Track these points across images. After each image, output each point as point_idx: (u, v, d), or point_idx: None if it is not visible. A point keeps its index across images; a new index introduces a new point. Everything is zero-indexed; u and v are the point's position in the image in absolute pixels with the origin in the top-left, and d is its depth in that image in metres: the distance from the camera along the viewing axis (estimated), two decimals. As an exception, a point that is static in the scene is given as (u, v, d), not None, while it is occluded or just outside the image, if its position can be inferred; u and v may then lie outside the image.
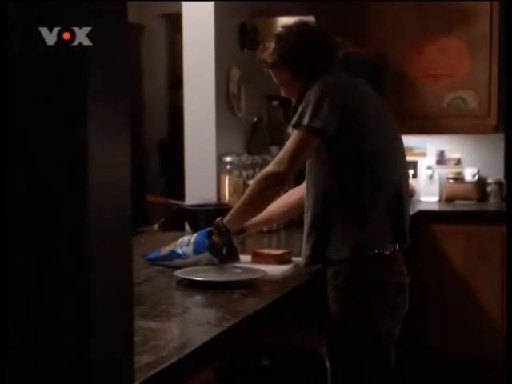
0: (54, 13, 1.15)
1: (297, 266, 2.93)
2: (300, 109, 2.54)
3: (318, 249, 2.63)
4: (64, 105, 1.19)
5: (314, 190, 2.63)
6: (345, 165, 2.58)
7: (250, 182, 3.92)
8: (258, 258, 2.95)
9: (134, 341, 1.38)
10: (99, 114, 1.22)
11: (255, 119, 4.42)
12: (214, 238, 2.75)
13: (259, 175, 2.67)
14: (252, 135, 4.38)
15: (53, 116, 1.19)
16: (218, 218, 2.74)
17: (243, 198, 2.72)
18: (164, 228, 4.17)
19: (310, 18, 4.26)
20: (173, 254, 2.88)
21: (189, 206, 3.93)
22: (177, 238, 3.47)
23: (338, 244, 2.59)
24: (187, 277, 2.57)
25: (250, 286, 2.58)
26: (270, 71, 2.77)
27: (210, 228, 2.81)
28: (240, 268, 2.73)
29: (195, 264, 2.76)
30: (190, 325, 2.14)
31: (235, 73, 4.15)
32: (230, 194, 3.93)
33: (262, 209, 2.75)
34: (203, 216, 3.76)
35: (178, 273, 2.62)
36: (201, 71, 3.95)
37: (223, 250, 2.74)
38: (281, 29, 2.72)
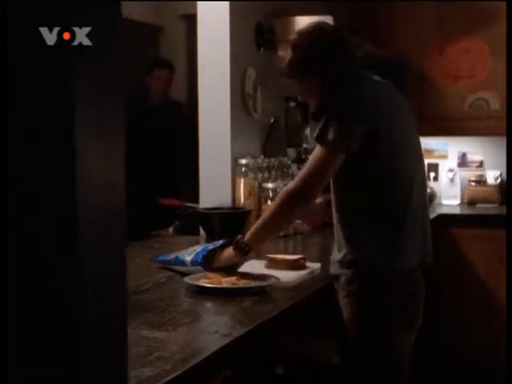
0: (53, 13, 1.12)
1: (312, 272, 2.85)
2: (323, 122, 2.44)
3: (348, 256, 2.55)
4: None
5: (342, 202, 2.57)
6: (369, 178, 2.51)
7: (266, 184, 3.85)
8: (271, 263, 2.87)
9: (127, 360, 1.29)
10: (92, 117, 1.16)
11: (272, 120, 4.34)
12: (227, 254, 2.65)
13: (282, 193, 2.59)
14: (268, 137, 4.30)
15: (51, 115, 1.15)
16: (239, 236, 2.62)
17: (265, 215, 2.62)
18: (179, 231, 4.10)
19: (328, 18, 4.17)
20: (177, 260, 2.81)
21: (203, 209, 3.85)
22: (191, 242, 3.43)
23: (364, 251, 2.51)
24: (197, 283, 2.50)
25: (262, 293, 2.51)
26: (289, 80, 2.69)
27: (225, 240, 2.73)
28: (252, 274, 2.64)
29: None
30: (198, 334, 2.07)
31: (251, 73, 4.07)
32: (246, 197, 3.85)
33: (284, 227, 2.67)
34: (217, 220, 3.69)
35: (188, 279, 2.55)
36: (216, 72, 3.87)
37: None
38: (295, 35, 2.62)
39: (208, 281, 2.52)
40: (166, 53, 5.98)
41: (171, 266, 2.87)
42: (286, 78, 2.67)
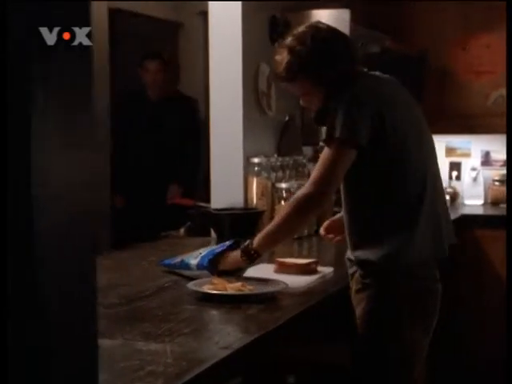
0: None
1: (323, 276, 2.72)
2: (329, 122, 2.34)
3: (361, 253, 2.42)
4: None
5: (351, 200, 2.46)
6: (378, 174, 2.39)
7: (280, 184, 3.71)
8: (281, 267, 2.74)
9: (97, 368, 1.19)
10: (53, 119, 1.09)
11: (287, 118, 4.21)
12: (233, 258, 2.52)
13: (294, 198, 2.48)
14: (283, 135, 4.17)
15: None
16: (248, 241, 2.50)
17: (276, 221, 2.49)
18: (190, 233, 3.96)
19: (345, 12, 4.04)
20: (182, 264, 2.69)
21: (214, 209, 3.72)
22: (201, 244, 3.31)
23: (375, 248, 2.38)
24: (200, 289, 2.37)
25: (270, 299, 2.37)
26: (287, 85, 2.56)
27: (232, 241, 2.60)
28: (259, 279, 2.51)
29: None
30: (197, 345, 1.93)
31: (264, 69, 3.94)
32: (258, 198, 3.72)
33: (295, 234, 2.52)
34: (228, 221, 3.56)
35: (191, 285, 2.42)
36: (228, 67, 3.74)
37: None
38: (290, 38, 2.49)
39: (213, 287, 2.39)
40: (184, 49, 5.98)
41: (177, 270, 2.74)
42: (285, 83, 2.54)
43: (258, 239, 2.48)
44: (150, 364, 1.72)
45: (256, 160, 3.74)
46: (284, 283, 2.45)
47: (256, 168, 3.74)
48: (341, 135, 2.29)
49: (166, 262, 2.82)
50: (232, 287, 2.38)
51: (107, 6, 5.33)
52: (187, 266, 2.67)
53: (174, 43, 6.01)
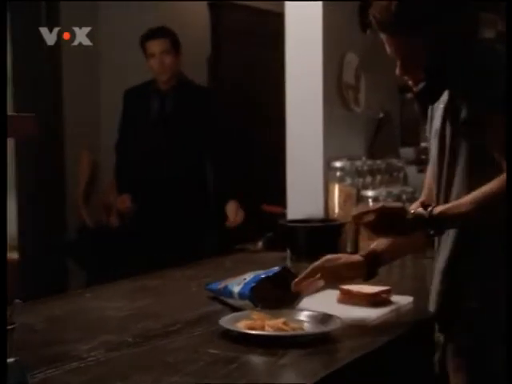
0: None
1: (397, 309, 2.20)
2: (480, 85, 1.79)
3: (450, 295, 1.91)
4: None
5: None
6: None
7: (366, 192, 3.21)
8: (345, 296, 2.24)
9: None
10: None
11: (381, 115, 3.69)
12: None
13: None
14: (377, 135, 3.65)
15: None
16: (429, 207, 1.86)
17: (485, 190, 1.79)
18: (269, 246, 3.49)
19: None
20: (226, 290, 2.24)
21: (288, 221, 3.25)
22: (274, 261, 2.87)
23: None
24: (229, 327, 1.91)
25: (319, 341, 1.88)
26: (387, 37, 1.95)
27: (282, 266, 2.18)
28: (312, 314, 2.03)
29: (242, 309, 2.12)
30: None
31: (352, 59, 3.43)
32: (340, 207, 3.22)
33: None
34: (303, 234, 3.09)
35: (224, 320, 1.96)
36: (305, 56, 3.26)
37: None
38: None
39: (250, 323, 1.93)
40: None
41: (222, 297, 2.30)
42: (387, 35, 1.93)
43: (445, 207, 1.85)
44: None
45: (338, 164, 3.24)
46: (340, 320, 1.96)
47: (338, 173, 3.24)
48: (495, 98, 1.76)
49: (212, 286, 2.38)
50: (271, 325, 1.91)
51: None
52: (230, 294, 2.22)
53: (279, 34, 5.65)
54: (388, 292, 2.26)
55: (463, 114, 1.82)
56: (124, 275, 2.85)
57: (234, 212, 3.89)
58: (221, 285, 2.32)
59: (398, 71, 1.96)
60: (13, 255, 4.45)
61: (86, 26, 4.35)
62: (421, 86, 1.93)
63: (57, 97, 4.54)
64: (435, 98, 1.93)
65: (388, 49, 1.96)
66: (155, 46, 3.99)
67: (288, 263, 3.04)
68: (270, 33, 5.32)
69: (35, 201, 4.50)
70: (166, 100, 4.05)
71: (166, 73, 4.00)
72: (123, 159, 4.14)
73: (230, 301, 2.23)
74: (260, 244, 3.55)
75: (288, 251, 3.13)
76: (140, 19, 4.47)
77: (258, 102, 5.46)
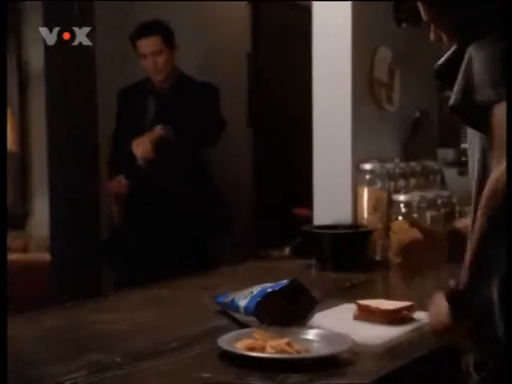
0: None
1: (420, 327, 1.98)
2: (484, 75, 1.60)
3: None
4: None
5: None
6: None
7: (397, 197, 3.00)
8: (362, 313, 2.04)
9: None
10: None
11: (417, 114, 3.47)
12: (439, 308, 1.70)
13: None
14: (412, 136, 3.43)
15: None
16: (453, 284, 1.64)
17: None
18: (298, 252, 3.29)
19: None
20: (233, 304, 2.06)
21: (314, 227, 3.06)
22: (299, 269, 2.70)
23: None
24: (227, 348, 1.72)
25: (327, 363, 1.69)
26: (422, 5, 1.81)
27: (289, 280, 1.99)
28: (319, 333, 1.83)
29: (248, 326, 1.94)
30: None
31: (385, 54, 3.22)
32: (370, 212, 3.01)
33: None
34: (328, 242, 2.89)
35: (222, 340, 1.77)
36: (333, 51, 3.06)
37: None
38: None
39: (250, 343, 1.74)
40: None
41: (229, 311, 2.12)
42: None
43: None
44: None
45: (367, 166, 3.03)
46: (350, 341, 1.76)
47: (368, 176, 3.03)
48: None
49: (220, 298, 2.20)
50: (274, 346, 1.72)
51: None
52: (237, 308, 2.04)
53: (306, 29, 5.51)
54: (410, 308, 2.05)
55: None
56: (152, 279, 2.67)
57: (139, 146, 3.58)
58: (229, 298, 2.13)
59: (432, 36, 1.82)
60: (45, 256, 4.35)
61: (119, 25, 4.29)
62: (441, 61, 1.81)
63: (91, 97, 4.38)
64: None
65: (424, 16, 1.82)
66: (145, 46, 3.69)
67: (313, 272, 2.86)
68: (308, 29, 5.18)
69: (68, 201, 4.38)
70: (163, 100, 3.79)
71: (159, 73, 3.74)
72: (121, 165, 3.88)
73: (237, 315, 2.05)
74: (287, 250, 3.36)
75: (314, 259, 2.94)
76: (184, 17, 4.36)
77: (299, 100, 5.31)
